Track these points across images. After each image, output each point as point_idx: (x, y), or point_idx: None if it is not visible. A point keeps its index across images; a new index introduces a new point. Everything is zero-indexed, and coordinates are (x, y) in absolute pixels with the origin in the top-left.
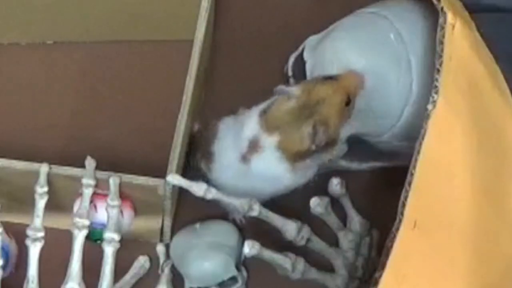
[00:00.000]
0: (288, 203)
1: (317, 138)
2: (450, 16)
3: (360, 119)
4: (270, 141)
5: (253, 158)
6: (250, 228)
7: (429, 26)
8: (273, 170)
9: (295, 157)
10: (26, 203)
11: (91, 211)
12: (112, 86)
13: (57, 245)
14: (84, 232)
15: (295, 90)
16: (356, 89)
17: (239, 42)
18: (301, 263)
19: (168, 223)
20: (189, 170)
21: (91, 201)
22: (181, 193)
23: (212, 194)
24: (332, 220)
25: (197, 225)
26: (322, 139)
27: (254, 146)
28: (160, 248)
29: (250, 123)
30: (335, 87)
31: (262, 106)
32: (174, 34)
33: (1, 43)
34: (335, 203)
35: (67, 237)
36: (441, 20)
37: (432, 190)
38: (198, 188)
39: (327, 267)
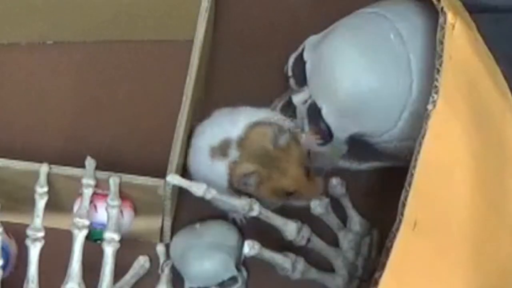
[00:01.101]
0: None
1: (241, 182)
2: (450, 16)
3: (360, 119)
4: (232, 155)
5: (216, 159)
6: (250, 228)
7: (429, 26)
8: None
9: (231, 182)
10: (26, 203)
11: (91, 211)
12: (112, 86)
13: (57, 245)
14: (84, 232)
15: (295, 132)
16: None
17: (239, 42)
18: (301, 263)
19: (168, 223)
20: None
21: (91, 201)
22: (181, 193)
23: (212, 194)
24: (332, 220)
25: (197, 225)
26: (242, 187)
27: (223, 149)
28: (160, 248)
29: (235, 126)
30: (304, 182)
31: (255, 118)
32: (174, 34)
33: (1, 43)
34: (335, 203)
35: (67, 237)
36: (441, 20)
37: (432, 190)
38: (198, 188)
39: (327, 267)
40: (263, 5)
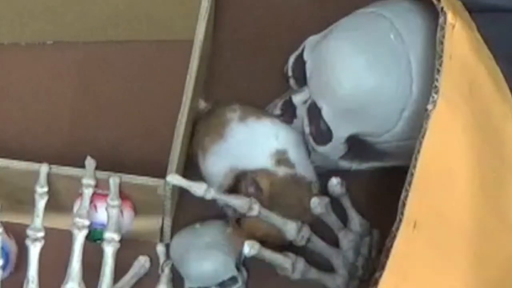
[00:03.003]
0: None
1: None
2: (450, 16)
3: (360, 119)
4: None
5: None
6: None
7: (429, 26)
8: None
9: None
10: (26, 203)
11: (91, 211)
12: (112, 86)
13: (57, 245)
14: (84, 232)
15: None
16: None
17: (239, 42)
18: (301, 263)
19: (168, 223)
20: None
21: (91, 201)
22: (181, 193)
23: (211, 194)
24: (332, 220)
25: (197, 225)
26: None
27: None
28: (160, 248)
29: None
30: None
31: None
32: (174, 34)
33: (1, 43)
34: (335, 203)
35: (67, 237)
36: (441, 20)
37: (432, 190)
38: (198, 188)
39: (327, 267)
40: (263, 5)
